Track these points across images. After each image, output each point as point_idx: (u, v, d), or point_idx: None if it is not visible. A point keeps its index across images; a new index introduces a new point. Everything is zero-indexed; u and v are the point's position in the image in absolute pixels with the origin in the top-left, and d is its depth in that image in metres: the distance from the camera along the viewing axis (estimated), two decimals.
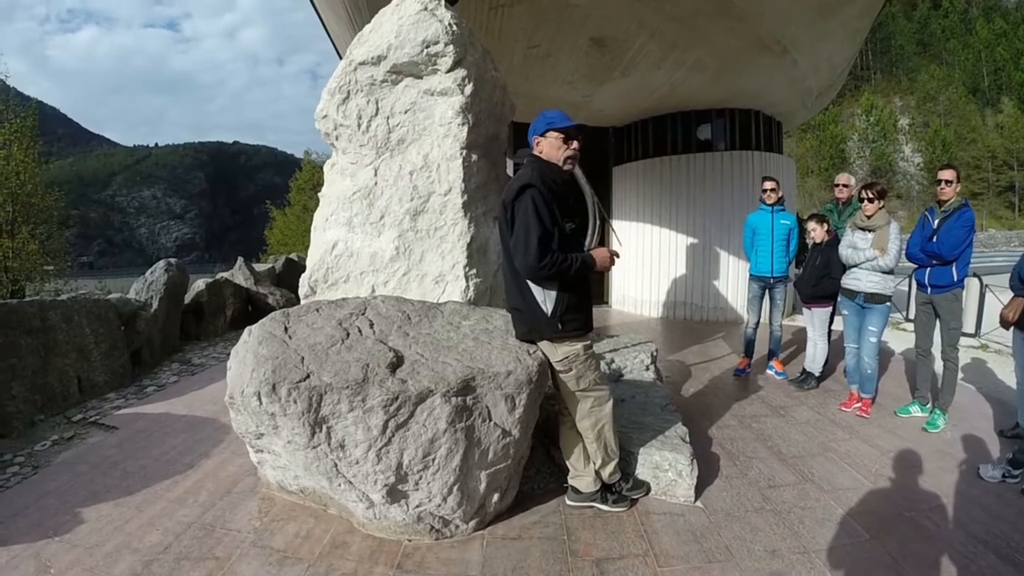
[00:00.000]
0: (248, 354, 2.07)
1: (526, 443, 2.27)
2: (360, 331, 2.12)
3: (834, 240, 4.03)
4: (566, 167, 2.22)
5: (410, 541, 2.23)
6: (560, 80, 6.84)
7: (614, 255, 2.34)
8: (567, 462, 2.45)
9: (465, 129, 3.34)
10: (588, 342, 2.28)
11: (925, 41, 65.63)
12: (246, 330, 2.24)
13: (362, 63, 3.41)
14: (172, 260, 6.60)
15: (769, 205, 4.63)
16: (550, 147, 2.23)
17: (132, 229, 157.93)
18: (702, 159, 8.04)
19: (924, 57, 63.73)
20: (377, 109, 3.48)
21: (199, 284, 7.53)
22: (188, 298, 7.16)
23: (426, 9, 3.26)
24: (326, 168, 3.88)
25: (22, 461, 3.19)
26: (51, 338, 4.19)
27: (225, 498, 2.67)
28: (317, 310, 2.24)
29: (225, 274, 8.34)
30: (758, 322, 4.88)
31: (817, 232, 4.16)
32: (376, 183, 3.46)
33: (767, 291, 4.76)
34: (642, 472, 2.59)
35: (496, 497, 2.20)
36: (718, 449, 3.20)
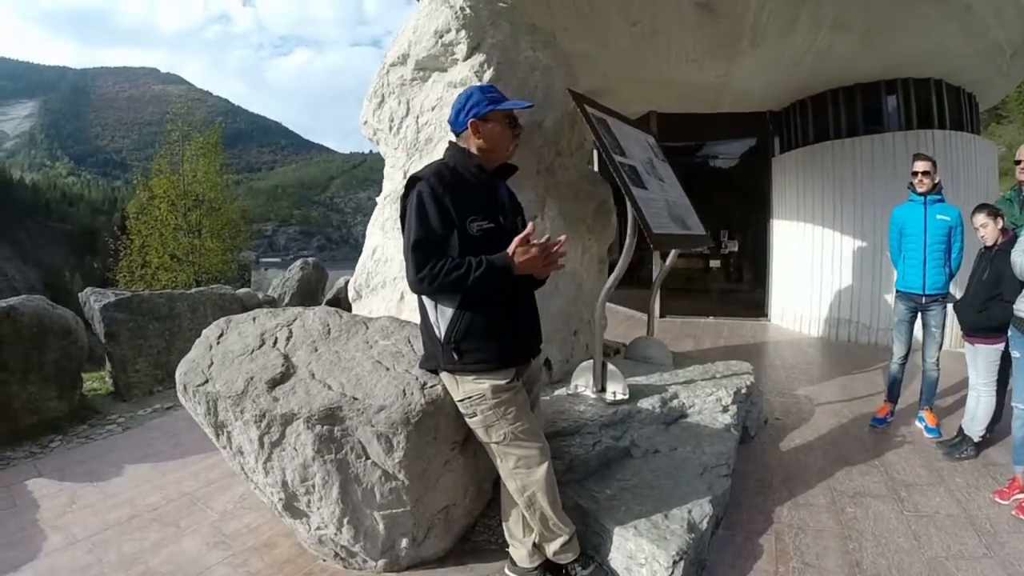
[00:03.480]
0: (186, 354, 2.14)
1: (437, 493, 1.91)
2: (275, 342, 2.06)
3: (1010, 243, 2.69)
4: (512, 161, 1.81)
5: (324, 561, 2.11)
6: (682, 59, 6.00)
7: (552, 254, 1.64)
8: (504, 525, 1.95)
9: None
10: (502, 381, 1.69)
11: None
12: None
13: (392, 64, 3.39)
14: (309, 259, 7.58)
15: (920, 194, 3.36)
16: (492, 136, 1.74)
17: (349, 227, 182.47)
18: (869, 143, 6.34)
19: None
20: (408, 109, 3.41)
21: (340, 282, 8.50)
22: (330, 295, 8.11)
23: None
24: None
25: (122, 422, 3.96)
26: (176, 324, 5.04)
27: (226, 479, 2.86)
28: (254, 319, 2.24)
29: None
30: (906, 354, 3.59)
31: (988, 230, 2.83)
32: None
33: (919, 314, 3.48)
34: (615, 559, 1.95)
35: (405, 543, 1.92)
36: (769, 541, 2.22)
